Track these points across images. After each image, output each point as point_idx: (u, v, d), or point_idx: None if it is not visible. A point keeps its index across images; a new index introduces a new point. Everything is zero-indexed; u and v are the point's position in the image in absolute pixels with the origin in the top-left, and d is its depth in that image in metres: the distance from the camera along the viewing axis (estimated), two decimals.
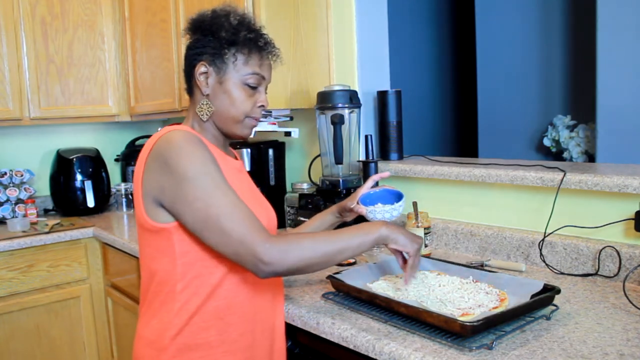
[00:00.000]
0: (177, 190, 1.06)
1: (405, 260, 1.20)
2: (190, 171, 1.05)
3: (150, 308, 1.17)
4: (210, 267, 1.13)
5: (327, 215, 1.45)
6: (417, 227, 1.65)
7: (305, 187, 2.12)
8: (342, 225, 1.44)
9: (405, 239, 1.16)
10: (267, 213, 1.25)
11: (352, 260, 1.63)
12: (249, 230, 1.05)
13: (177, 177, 1.06)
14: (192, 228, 1.08)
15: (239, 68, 1.17)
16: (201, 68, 1.18)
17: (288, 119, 2.15)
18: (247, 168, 2.14)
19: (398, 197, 1.36)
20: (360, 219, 1.36)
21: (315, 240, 1.09)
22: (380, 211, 1.33)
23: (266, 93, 1.24)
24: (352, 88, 1.95)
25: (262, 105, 1.22)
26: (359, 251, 1.13)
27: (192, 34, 1.22)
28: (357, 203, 1.36)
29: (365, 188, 1.40)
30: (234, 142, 2.14)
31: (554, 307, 1.18)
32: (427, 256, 1.55)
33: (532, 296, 1.16)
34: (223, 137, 1.25)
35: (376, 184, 1.47)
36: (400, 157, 2.01)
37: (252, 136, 2.07)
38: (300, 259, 1.06)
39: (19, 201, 2.76)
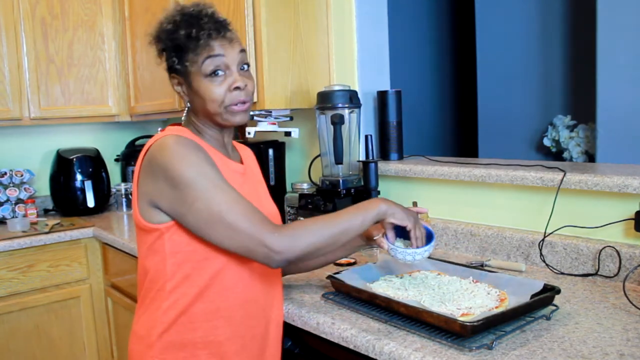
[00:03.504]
0: (175, 194, 1.08)
1: (393, 234, 1.23)
2: (186, 174, 1.07)
3: (142, 304, 1.20)
4: (199, 269, 1.13)
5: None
6: None
7: (305, 187, 2.12)
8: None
9: (402, 212, 1.18)
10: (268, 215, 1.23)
11: (352, 260, 1.63)
12: (254, 223, 1.06)
13: (174, 181, 1.07)
14: (196, 229, 1.09)
15: (193, 63, 1.15)
16: (174, 81, 1.21)
17: (288, 119, 2.15)
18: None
19: (429, 237, 1.23)
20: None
21: (319, 224, 1.11)
22: (401, 251, 1.20)
23: (245, 70, 1.18)
24: (352, 88, 1.95)
25: (238, 87, 1.15)
26: (362, 229, 1.15)
27: (159, 53, 1.22)
28: (382, 235, 1.24)
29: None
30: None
31: (554, 307, 1.18)
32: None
33: (532, 296, 1.16)
34: (221, 135, 1.24)
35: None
36: (400, 157, 2.01)
37: (251, 136, 2.07)
38: (309, 243, 1.08)
39: (19, 201, 2.76)
